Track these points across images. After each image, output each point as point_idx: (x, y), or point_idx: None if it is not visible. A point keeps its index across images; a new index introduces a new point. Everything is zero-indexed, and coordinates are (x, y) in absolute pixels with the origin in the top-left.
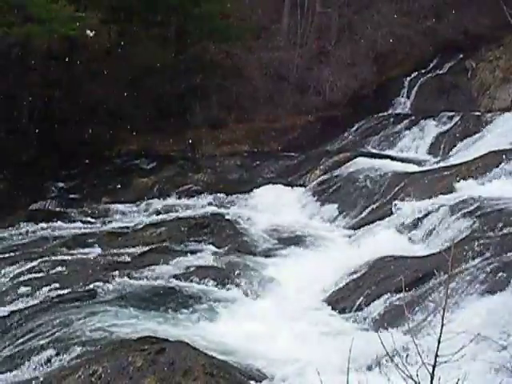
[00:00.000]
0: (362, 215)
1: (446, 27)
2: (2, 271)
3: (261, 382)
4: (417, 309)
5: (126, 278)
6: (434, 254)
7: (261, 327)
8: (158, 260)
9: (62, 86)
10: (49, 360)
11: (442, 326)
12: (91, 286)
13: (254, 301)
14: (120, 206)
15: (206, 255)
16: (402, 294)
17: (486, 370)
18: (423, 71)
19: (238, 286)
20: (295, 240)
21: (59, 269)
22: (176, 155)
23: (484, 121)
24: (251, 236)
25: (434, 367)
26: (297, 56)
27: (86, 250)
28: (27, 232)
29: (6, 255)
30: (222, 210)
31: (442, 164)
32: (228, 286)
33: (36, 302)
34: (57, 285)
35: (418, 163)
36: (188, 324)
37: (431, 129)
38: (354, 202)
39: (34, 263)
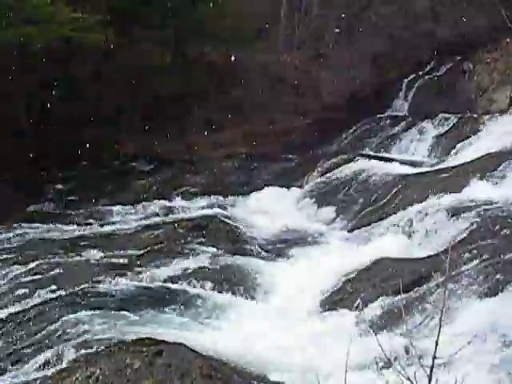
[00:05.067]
0: (360, 217)
1: (443, 29)
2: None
3: None
4: (415, 311)
5: (123, 280)
6: (431, 256)
7: (258, 329)
8: (155, 262)
9: (61, 88)
10: (46, 362)
11: (440, 327)
12: (89, 288)
13: (251, 303)
14: (118, 208)
15: (204, 257)
16: (399, 296)
17: (483, 372)
18: (421, 73)
19: (235, 288)
20: (293, 242)
21: (57, 271)
22: (174, 157)
23: (482, 123)
24: (249, 238)
25: (431, 369)
26: (295, 58)
27: (84, 252)
28: (25, 234)
29: (4, 257)
30: (220, 212)
31: (439, 166)
32: (225, 288)
33: (33, 303)
34: (54, 287)
35: (416, 165)
36: (185, 326)
37: (429, 131)
38: (351, 204)
39: (32, 265)
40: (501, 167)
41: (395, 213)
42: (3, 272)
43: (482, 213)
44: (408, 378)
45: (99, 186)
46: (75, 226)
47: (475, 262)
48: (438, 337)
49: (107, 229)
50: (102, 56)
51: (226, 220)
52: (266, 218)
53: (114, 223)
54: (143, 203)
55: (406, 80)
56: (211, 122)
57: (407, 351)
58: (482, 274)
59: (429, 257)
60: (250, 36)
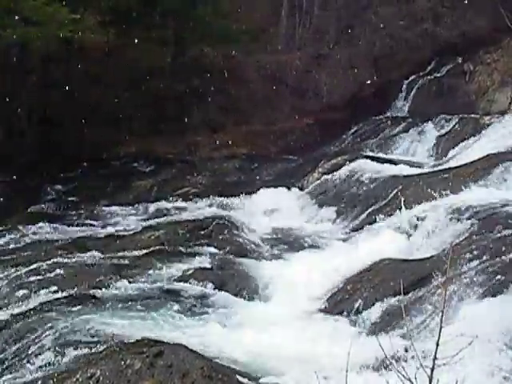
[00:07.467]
0: (361, 218)
1: (443, 30)
2: (0, 274)
3: None
4: (415, 312)
5: (124, 281)
6: (432, 257)
7: (259, 330)
8: (156, 263)
9: (61, 89)
10: (47, 363)
11: (441, 328)
12: (89, 289)
13: (251, 304)
14: (118, 209)
15: (205, 258)
16: (400, 297)
17: (484, 373)
18: (421, 74)
19: (236, 289)
20: (293, 243)
21: (57, 272)
22: (174, 158)
23: (482, 124)
24: (249, 239)
25: (432, 370)
26: (295, 59)
27: (84, 253)
28: (25, 235)
29: (4, 258)
30: (221, 213)
31: (440, 167)
32: (226, 289)
33: (34, 305)
34: (55, 288)
35: (416, 166)
36: (186, 327)
37: (429, 132)
38: (352, 205)
39: (32, 266)
40: (501, 168)
41: (396, 214)
42: (4, 273)
43: (483, 214)
44: (409, 380)
45: (99, 187)
46: (75, 227)
47: (475, 262)
48: (439, 338)
49: (107, 230)
50: (102, 57)
51: (227, 221)
52: (267, 218)
53: (114, 224)
54: (143, 204)
55: (406, 81)
56: (211, 122)
57: (408, 352)
58: (482, 274)
59: (429, 258)
60: (250, 36)
